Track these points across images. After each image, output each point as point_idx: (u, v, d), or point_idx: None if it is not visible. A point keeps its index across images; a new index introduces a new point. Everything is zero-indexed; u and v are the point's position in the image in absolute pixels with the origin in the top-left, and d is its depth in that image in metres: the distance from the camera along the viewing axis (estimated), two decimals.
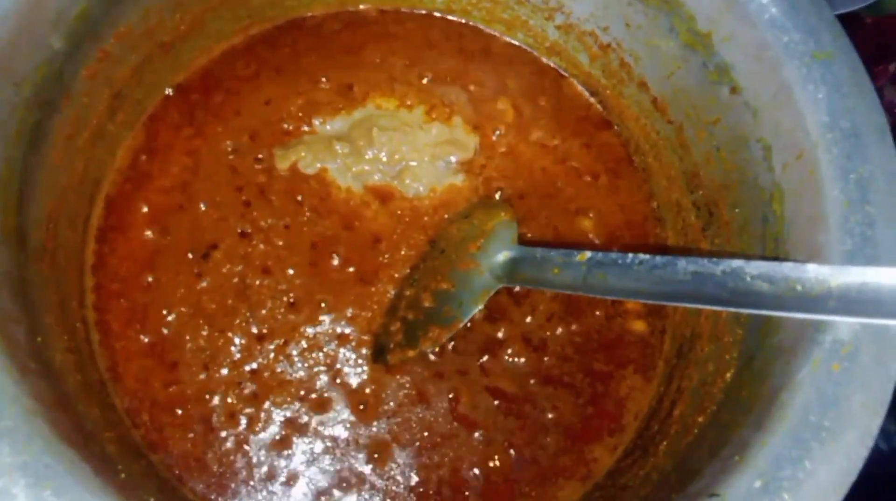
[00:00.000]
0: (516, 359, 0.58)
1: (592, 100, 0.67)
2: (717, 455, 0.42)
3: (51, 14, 0.46)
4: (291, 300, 0.58)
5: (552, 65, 0.68)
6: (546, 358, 0.59)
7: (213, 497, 0.52)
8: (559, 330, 0.59)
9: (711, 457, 0.43)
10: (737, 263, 0.43)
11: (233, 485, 0.53)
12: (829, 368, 0.41)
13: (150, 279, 0.57)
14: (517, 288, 0.59)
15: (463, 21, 0.69)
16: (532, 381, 0.58)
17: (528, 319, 0.59)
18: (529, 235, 0.62)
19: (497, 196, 0.63)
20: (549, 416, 0.57)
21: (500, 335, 0.59)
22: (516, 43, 0.69)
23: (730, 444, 0.42)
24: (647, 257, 0.47)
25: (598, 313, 0.60)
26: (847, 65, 0.47)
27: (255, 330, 0.57)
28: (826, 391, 0.40)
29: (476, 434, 0.56)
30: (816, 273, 0.40)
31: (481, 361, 0.58)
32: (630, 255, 0.48)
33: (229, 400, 0.55)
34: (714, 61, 0.54)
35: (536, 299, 0.60)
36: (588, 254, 0.51)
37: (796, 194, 0.48)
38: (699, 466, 0.43)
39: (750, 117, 0.52)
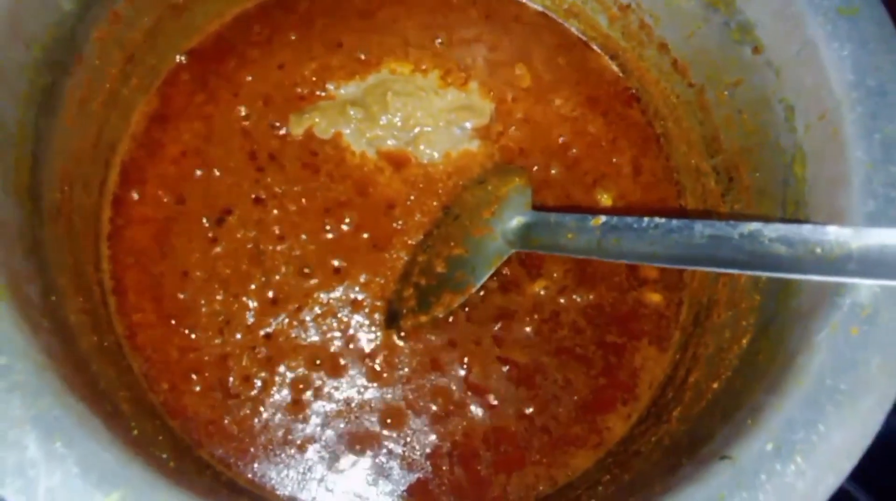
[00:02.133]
0: (528, 330, 0.58)
1: (615, 67, 0.66)
2: (730, 420, 0.41)
3: None
4: (305, 267, 0.58)
5: (572, 30, 0.67)
6: (558, 330, 0.58)
7: (231, 460, 0.53)
8: (572, 302, 0.59)
9: (724, 422, 0.42)
10: (754, 225, 0.42)
11: (252, 449, 0.53)
12: (848, 331, 0.40)
13: (165, 245, 0.57)
14: (530, 258, 0.59)
15: None
16: (544, 352, 0.57)
17: (541, 291, 0.59)
18: (544, 205, 0.61)
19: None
20: (561, 386, 0.57)
21: (512, 306, 0.58)
22: (535, 6, 0.67)
23: (743, 409, 0.41)
24: (663, 220, 0.47)
25: (612, 285, 0.60)
26: (874, 20, 0.46)
27: (269, 295, 0.57)
28: (844, 355, 0.39)
29: (488, 403, 0.56)
30: (836, 235, 0.39)
31: (494, 331, 0.57)
32: (645, 219, 0.48)
33: (244, 364, 0.55)
34: (736, 19, 0.52)
35: (549, 270, 0.59)
36: (602, 218, 0.50)
37: (818, 155, 0.47)
38: (711, 430, 0.42)
39: (772, 77, 0.50)
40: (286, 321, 0.56)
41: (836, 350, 0.39)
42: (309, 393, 0.55)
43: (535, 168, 0.62)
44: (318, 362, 0.56)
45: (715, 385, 0.48)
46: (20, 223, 0.41)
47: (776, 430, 0.38)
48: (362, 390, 0.56)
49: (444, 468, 0.55)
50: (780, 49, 0.50)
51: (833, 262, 0.39)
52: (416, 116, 0.62)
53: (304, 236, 0.58)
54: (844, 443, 0.37)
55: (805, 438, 0.37)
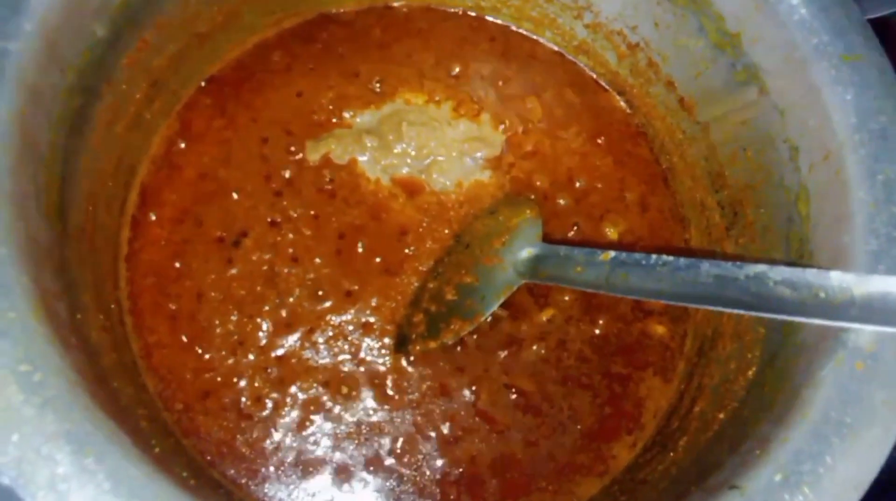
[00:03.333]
0: (535, 359, 0.59)
1: (623, 103, 0.68)
2: (738, 450, 0.42)
3: (95, 3, 0.47)
4: (318, 289, 0.59)
5: (583, 66, 0.69)
6: (565, 359, 0.59)
7: (242, 481, 0.53)
8: (578, 332, 0.60)
9: (731, 452, 0.43)
10: (760, 267, 0.43)
11: (262, 470, 0.54)
12: (853, 366, 0.41)
13: (181, 265, 0.58)
14: (538, 286, 0.60)
15: (492, 19, 0.69)
16: (550, 380, 0.58)
17: (548, 320, 0.60)
18: (552, 236, 0.62)
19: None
20: (567, 415, 0.58)
21: (519, 334, 0.59)
22: (545, 42, 0.69)
23: (750, 439, 0.42)
24: (671, 258, 0.48)
25: (617, 316, 0.61)
26: (876, 67, 0.48)
27: (282, 317, 0.58)
28: (848, 389, 0.40)
29: (495, 429, 0.57)
30: (840, 281, 0.40)
31: (501, 359, 0.58)
32: (653, 256, 0.49)
33: (256, 385, 0.56)
34: (742, 62, 0.54)
35: (556, 300, 0.60)
36: (612, 254, 0.51)
37: (822, 194, 0.48)
38: (719, 460, 0.43)
39: (777, 118, 0.52)
40: (298, 342, 0.57)
41: (841, 384, 0.41)
42: (319, 415, 0.56)
43: (545, 199, 0.64)
44: (328, 384, 0.57)
45: (721, 416, 0.49)
46: (49, 242, 0.42)
47: (784, 461, 0.39)
48: (372, 413, 0.56)
49: (451, 494, 0.55)
50: (784, 92, 0.51)
51: (836, 307, 0.40)
52: (429, 146, 0.63)
53: (318, 260, 0.59)
54: (850, 475, 0.38)
55: (812, 469, 0.38)
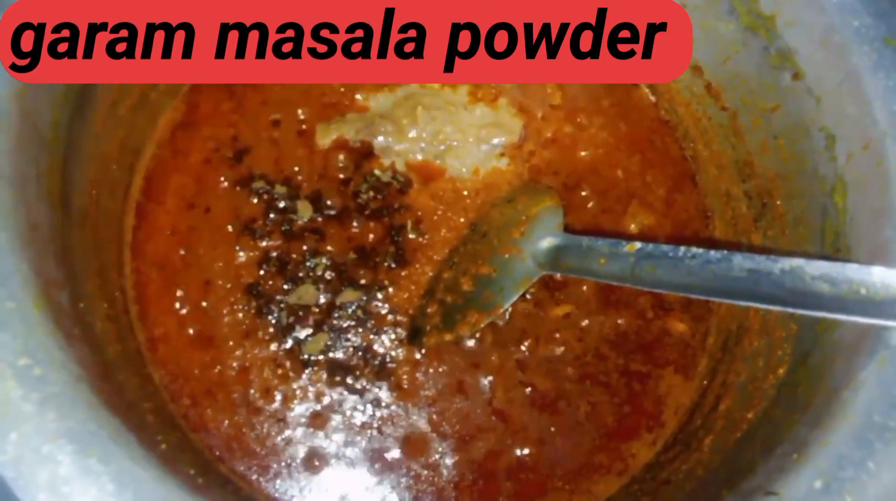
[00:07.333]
0: (552, 356, 0.57)
1: (646, 89, 0.65)
2: (773, 453, 0.40)
3: None
4: (329, 277, 0.57)
5: None
6: (582, 356, 0.57)
7: (251, 476, 0.51)
8: (596, 329, 0.58)
9: (765, 454, 0.41)
10: (796, 262, 0.41)
11: (273, 465, 0.52)
12: None
13: (188, 253, 0.56)
14: (554, 280, 0.58)
15: None
16: (567, 378, 0.57)
17: (565, 316, 0.58)
18: (571, 226, 0.60)
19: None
20: (584, 413, 0.56)
21: (535, 329, 0.57)
22: None
23: (785, 442, 0.40)
24: (701, 251, 0.45)
25: (636, 313, 0.59)
26: None
27: (293, 307, 0.56)
28: (892, 391, 0.38)
29: (511, 428, 0.55)
30: (882, 277, 0.38)
31: (517, 355, 0.57)
32: (682, 248, 0.46)
33: (265, 376, 0.54)
34: (776, 45, 0.52)
35: (574, 296, 0.58)
36: (637, 245, 0.49)
37: (861, 185, 0.46)
38: (751, 463, 0.42)
39: (812, 105, 0.50)
40: (309, 332, 0.55)
41: (884, 386, 0.39)
42: (330, 408, 0.54)
43: (564, 188, 0.61)
44: (339, 376, 0.55)
45: (750, 415, 0.47)
46: (51, 228, 0.40)
47: (824, 467, 0.37)
48: (385, 408, 0.55)
49: (466, 492, 0.54)
50: (821, 77, 0.49)
51: (878, 304, 0.38)
52: (445, 131, 0.61)
53: (329, 247, 0.57)
54: (895, 482, 0.36)
55: (855, 476, 0.36)
